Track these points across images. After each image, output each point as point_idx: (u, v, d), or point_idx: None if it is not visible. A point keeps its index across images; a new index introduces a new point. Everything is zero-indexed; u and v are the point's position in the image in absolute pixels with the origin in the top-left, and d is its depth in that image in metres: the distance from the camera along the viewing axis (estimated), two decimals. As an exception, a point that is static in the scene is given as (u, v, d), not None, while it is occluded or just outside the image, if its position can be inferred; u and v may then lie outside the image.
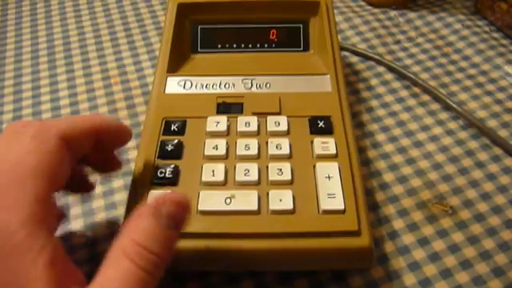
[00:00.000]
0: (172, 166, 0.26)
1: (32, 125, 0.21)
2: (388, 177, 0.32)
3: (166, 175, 0.25)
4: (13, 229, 0.18)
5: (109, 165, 0.27)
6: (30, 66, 0.41)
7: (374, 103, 0.37)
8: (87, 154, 0.24)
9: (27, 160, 0.20)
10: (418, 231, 0.29)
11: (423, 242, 0.29)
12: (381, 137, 0.35)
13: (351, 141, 0.28)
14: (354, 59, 0.41)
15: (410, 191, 0.31)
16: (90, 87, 0.39)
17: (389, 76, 0.40)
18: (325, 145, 0.27)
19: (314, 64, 0.33)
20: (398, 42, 0.43)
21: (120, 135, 0.25)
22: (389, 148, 0.34)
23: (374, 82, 0.39)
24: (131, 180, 0.26)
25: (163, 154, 0.27)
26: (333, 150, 0.27)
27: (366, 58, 0.41)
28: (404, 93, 0.38)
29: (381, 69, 0.40)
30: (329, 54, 0.33)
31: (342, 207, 0.24)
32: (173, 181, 0.25)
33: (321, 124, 0.28)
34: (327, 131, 0.28)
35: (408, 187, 0.31)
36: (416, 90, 0.38)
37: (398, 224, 0.30)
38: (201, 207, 0.24)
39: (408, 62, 0.41)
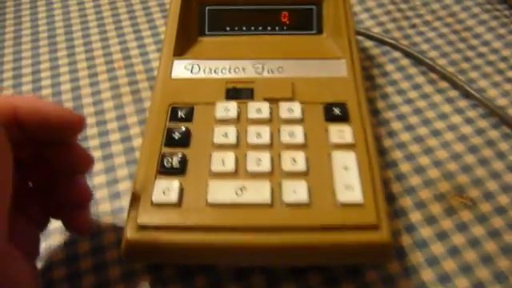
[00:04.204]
0: (179, 154, 0.24)
1: None
2: (404, 167, 0.31)
3: (173, 164, 0.24)
4: None
5: (73, 162, 0.22)
6: (29, 49, 0.40)
7: (390, 90, 0.36)
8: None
9: None
10: (436, 224, 0.28)
11: (442, 235, 0.27)
12: (397, 125, 0.33)
13: (368, 129, 0.26)
14: (369, 44, 0.39)
15: (427, 182, 0.30)
16: (92, 72, 0.37)
17: (405, 62, 0.38)
18: (341, 133, 0.25)
19: (328, 48, 0.31)
20: (413, 26, 0.41)
21: (60, 124, 0.20)
22: (405, 137, 0.32)
23: (389, 67, 0.37)
24: (136, 169, 0.25)
25: (170, 141, 0.25)
26: (349, 139, 0.25)
27: (380, 42, 0.39)
28: (421, 79, 0.36)
29: (396, 54, 0.38)
30: (344, 36, 0.31)
31: (361, 200, 0.23)
32: (180, 170, 0.24)
33: (336, 111, 0.26)
34: (343, 118, 0.26)
35: (425, 178, 0.30)
36: (433, 76, 0.37)
37: (416, 217, 0.28)
38: (210, 199, 0.23)
39: (424, 47, 0.39)
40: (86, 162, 0.23)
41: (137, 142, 0.32)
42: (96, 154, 0.31)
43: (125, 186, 0.30)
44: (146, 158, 0.25)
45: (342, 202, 0.22)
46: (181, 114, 0.27)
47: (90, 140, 0.32)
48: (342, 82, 0.28)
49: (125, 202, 0.29)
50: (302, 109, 0.27)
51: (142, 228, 0.22)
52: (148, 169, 0.24)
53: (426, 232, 0.27)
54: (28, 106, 0.19)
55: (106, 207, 0.29)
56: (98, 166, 0.31)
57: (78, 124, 0.21)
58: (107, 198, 0.29)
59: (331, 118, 0.26)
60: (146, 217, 0.22)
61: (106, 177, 0.30)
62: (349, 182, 0.23)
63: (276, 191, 0.23)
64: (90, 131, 0.33)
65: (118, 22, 0.42)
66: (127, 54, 0.39)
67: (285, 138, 0.25)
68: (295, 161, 0.24)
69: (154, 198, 0.23)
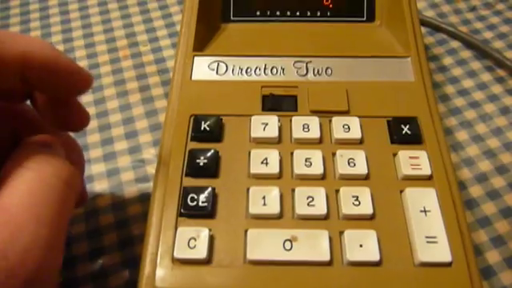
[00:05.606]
0: (208, 189, 0.19)
1: None
2: (475, 191, 0.25)
3: (200, 203, 0.18)
4: None
5: (68, 118, 0.19)
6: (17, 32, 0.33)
7: (450, 89, 0.30)
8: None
9: None
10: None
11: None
12: (461, 135, 0.27)
13: (446, 154, 0.20)
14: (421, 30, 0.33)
15: (504, 211, 0.24)
16: (93, 62, 0.31)
17: (466, 53, 0.32)
18: (414, 160, 0.20)
19: (385, 40, 0.25)
20: (473, 8, 0.34)
21: (68, 79, 0.17)
22: (473, 151, 0.27)
23: (447, 60, 0.31)
24: (148, 206, 0.19)
25: (193, 170, 0.20)
26: (426, 170, 0.19)
27: (435, 29, 0.33)
28: (486, 76, 0.30)
29: (455, 44, 0.32)
30: (406, 26, 0.25)
31: (448, 257, 0.17)
32: (209, 212, 0.18)
33: (405, 129, 0.21)
34: (415, 140, 0.21)
35: (502, 205, 0.25)
36: (501, 72, 0.30)
37: (493, 257, 0.23)
38: (251, 254, 0.17)
39: (488, 35, 0.33)
40: (82, 120, 0.20)
41: (148, 154, 0.26)
42: (99, 167, 0.26)
43: (134, 211, 0.24)
44: (163, 193, 0.19)
45: (422, 260, 0.17)
46: (206, 129, 0.21)
47: (90, 149, 0.27)
48: (408, 88, 0.22)
49: (137, 230, 0.24)
50: (361, 126, 0.21)
51: (162, 293, 0.17)
52: (166, 208, 0.18)
53: (508, 278, 0.22)
54: (40, 56, 0.16)
55: (113, 238, 0.23)
56: (101, 184, 0.25)
57: (87, 82, 0.18)
58: (115, 239, 0.24)
59: (399, 139, 0.21)
60: (167, 279, 0.17)
61: (111, 198, 0.25)
62: (431, 231, 0.18)
63: (335, 243, 0.18)
64: (91, 138, 0.27)
65: (123, 0, 0.35)
66: (134, 40, 0.32)
67: (343, 166, 0.19)
68: (358, 200, 0.18)
69: (176, 253, 0.17)
